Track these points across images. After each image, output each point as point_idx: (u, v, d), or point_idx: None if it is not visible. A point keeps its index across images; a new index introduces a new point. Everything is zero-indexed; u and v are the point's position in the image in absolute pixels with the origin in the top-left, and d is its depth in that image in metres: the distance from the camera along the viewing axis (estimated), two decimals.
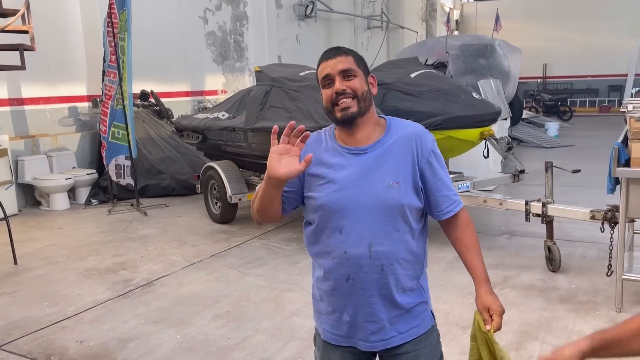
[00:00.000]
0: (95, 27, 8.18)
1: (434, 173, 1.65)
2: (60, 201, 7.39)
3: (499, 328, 1.61)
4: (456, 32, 24.16)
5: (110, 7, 7.07)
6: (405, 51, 11.88)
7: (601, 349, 1.18)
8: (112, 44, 7.09)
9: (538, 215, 4.45)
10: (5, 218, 5.02)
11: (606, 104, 21.57)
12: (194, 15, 10.76)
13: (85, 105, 8.60)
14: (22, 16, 5.51)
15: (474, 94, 5.06)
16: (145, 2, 9.17)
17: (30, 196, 7.62)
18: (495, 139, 5.12)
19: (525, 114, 15.06)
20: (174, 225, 6.42)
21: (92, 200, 7.75)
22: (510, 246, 5.18)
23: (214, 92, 11.31)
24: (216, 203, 6.48)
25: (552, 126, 14.09)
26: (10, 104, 7.58)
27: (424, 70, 5.33)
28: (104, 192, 7.81)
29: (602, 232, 4.00)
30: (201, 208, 6.91)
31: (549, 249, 4.44)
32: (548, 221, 4.44)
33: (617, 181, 3.61)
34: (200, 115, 6.92)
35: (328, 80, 1.61)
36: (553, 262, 4.40)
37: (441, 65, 10.00)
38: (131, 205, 7.31)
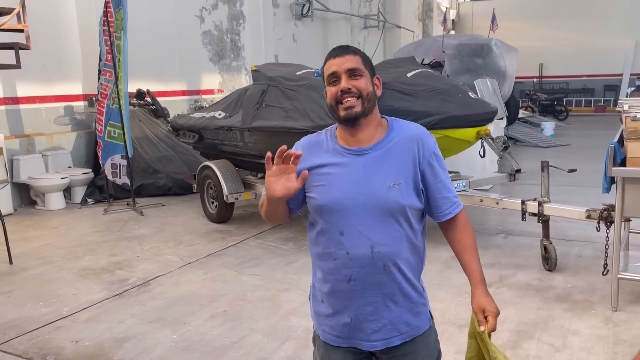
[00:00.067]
0: (91, 25, 8.15)
1: (435, 175, 1.65)
2: (55, 200, 7.36)
3: (493, 329, 1.62)
4: (453, 32, 24.18)
5: (106, 6, 7.04)
6: (401, 50, 11.89)
7: None
8: (108, 43, 7.07)
9: (534, 214, 4.46)
10: (1, 217, 5.00)
11: (602, 103, 21.65)
12: (191, 14, 10.74)
13: (81, 104, 8.57)
14: (18, 15, 5.49)
15: (470, 93, 5.06)
16: (142, 1, 9.14)
17: (26, 195, 7.60)
18: (492, 139, 5.13)
19: (522, 113, 15.11)
20: (170, 224, 6.40)
21: (88, 200, 7.73)
22: (507, 245, 5.19)
23: (211, 92, 11.29)
24: (212, 202, 6.47)
25: (548, 126, 14.14)
26: (5, 103, 7.54)
27: (420, 70, 5.33)
28: (100, 191, 7.79)
29: (598, 231, 4.01)
30: (197, 207, 6.90)
31: (545, 248, 4.45)
32: (544, 220, 4.45)
33: (612, 180, 3.62)
34: (197, 115, 6.91)
35: (334, 78, 1.61)
36: (549, 261, 4.41)
37: (438, 65, 10.02)
38: (127, 204, 7.29)
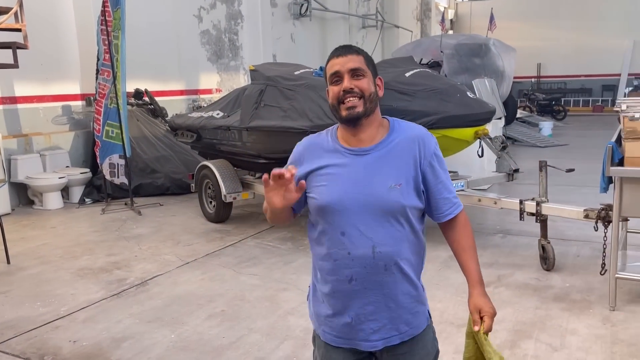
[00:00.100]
0: (89, 25, 8.14)
1: (436, 176, 1.66)
2: (53, 200, 7.35)
3: (489, 330, 1.62)
4: (451, 32, 24.23)
5: (104, 5, 7.03)
6: (400, 50, 11.90)
7: None
8: (106, 42, 7.06)
9: (532, 214, 4.46)
10: None
11: (599, 103, 21.70)
12: (189, 13, 10.73)
13: (78, 103, 8.55)
14: (15, 14, 5.48)
15: (468, 93, 5.07)
16: (140, 0, 9.13)
17: (24, 195, 7.58)
18: (490, 138, 5.13)
19: (520, 113, 15.12)
20: (168, 224, 6.40)
21: (86, 200, 7.72)
22: (505, 245, 5.20)
23: (209, 91, 11.29)
24: (211, 202, 6.46)
25: (546, 125, 14.16)
26: (3, 103, 7.53)
27: (418, 70, 5.33)
28: (98, 191, 7.77)
29: (595, 230, 4.02)
30: (195, 207, 6.89)
31: (543, 247, 4.45)
32: (542, 220, 4.46)
33: (610, 180, 3.62)
34: (195, 114, 6.90)
35: (336, 77, 1.62)
36: (547, 261, 4.42)
37: (436, 65, 10.02)
38: (125, 204, 7.28)
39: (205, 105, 9.27)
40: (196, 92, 10.95)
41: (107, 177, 7.41)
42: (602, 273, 3.83)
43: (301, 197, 1.67)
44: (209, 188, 6.41)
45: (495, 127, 7.47)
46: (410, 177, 1.61)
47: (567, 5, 22.31)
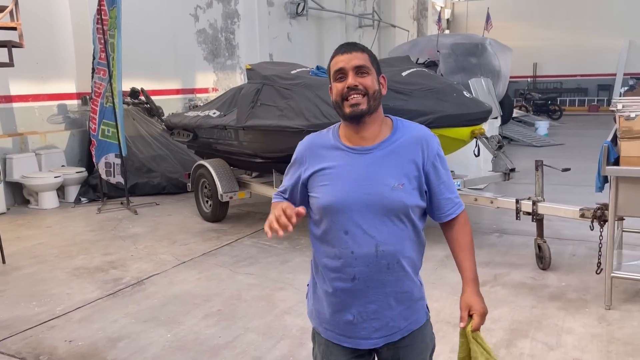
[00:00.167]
0: (85, 23, 8.11)
1: (438, 176, 1.66)
2: (49, 199, 7.32)
3: (477, 328, 1.64)
4: (447, 31, 24.24)
5: (100, 4, 7.01)
6: (396, 50, 11.90)
7: None
8: (102, 41, 7.04)
9: (528, 213, 4.48)
10: None
11: (595, 103, 21.75)
12: (185, 12, 10.71)
13: (74, 102, 8.52)
14: (11, 12, 5.46)
15: (465, 92, 5.07)
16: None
17: (19, 194, 7.55)
18: (486, 138, 5.14)
19: (516, 112, 15.15)
20: (164, 223, 6.38)
21: (82, 199, 7.70)
22: (501, 244, 5.20)
23: (205, 90, 11.26)
24: (207, 201, 6.45)
25: (542, 125, 14.20)
26: None
27: (415, 69, 5.33)
28: (94, 190, 7.75)
29: (591, 230, 4.03)
30: (192, 206, 6.88)
31: (539, 247, 4.46)
32: (538, 219, 4.47)
33: (605, 179, 3.63)
34: (191, 113, 6.89)
35: (340, 74, 1.61)
36: (543, 260, 4.43)
37: (432, 64, 10.00)
38: (121, 203, 7.26)
39: (201, 104, 9.26)
40: (192, 91, 10.92)
41: (103, 176, 7.39)
42: (597, 272, 3.84)
43: (304, 197, 1.69)
44: (206, 187, 6.40)
45: (491, 127, 7.49)
46: (413, 177, 1.62)
47: (562, 5, 22.36)
